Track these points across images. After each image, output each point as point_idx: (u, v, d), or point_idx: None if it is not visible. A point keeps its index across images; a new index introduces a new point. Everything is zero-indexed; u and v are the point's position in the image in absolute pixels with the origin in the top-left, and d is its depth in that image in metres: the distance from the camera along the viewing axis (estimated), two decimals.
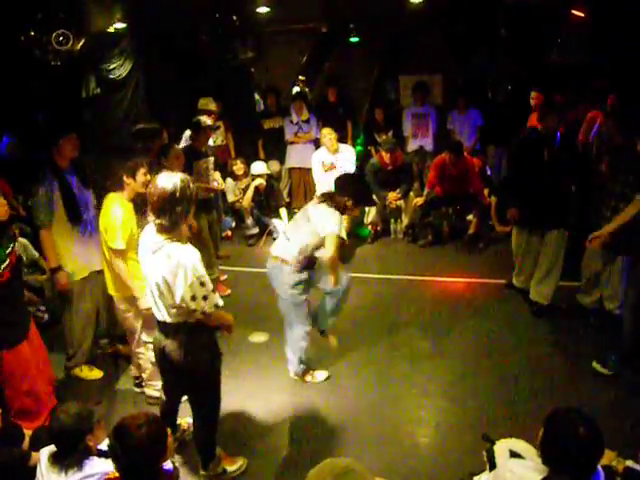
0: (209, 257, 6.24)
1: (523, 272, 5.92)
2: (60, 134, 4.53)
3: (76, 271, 4.64)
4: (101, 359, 5.14)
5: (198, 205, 5.57)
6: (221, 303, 3.19)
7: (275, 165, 8.90)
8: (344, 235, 4.50)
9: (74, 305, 4.74)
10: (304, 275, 4.36)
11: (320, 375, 4.76)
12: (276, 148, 9.02)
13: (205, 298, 3.08)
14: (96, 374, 4.96)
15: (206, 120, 6.30)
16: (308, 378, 4.74)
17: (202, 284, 3.06)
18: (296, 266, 4.31)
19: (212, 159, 6.46)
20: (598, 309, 5.35)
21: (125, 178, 4.14)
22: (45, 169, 4.47)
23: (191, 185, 3.15)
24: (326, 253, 4.21)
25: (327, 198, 4.40)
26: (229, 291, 6.46)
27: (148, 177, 4.08)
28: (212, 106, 7.74)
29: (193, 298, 3.05)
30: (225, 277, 6.81)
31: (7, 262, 3.72)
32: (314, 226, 4.29)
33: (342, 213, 4.37)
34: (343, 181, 4.56)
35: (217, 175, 6.99)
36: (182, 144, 7.16)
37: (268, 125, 9.02)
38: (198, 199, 3.28)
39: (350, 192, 4.41)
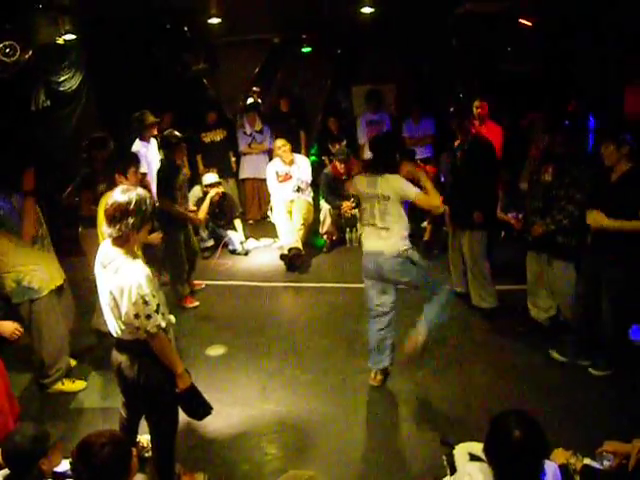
0: (182, 273, 6.26)
1: (455, 276, 6.08)
2: (22, 167, 4.47)
3: (42, 286, 4.55)
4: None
5: (173, 221, 5.78)
6: (164, 325, 3.13)
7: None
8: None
9: (46, 321, 4.63)
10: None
11: None
12: (215, 162, 8.65)
13: (148, 317, 3.04)
14: (80, 385, 4.89)
15: (172, 131, 6.20)
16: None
17: (146, 303, 3.03)
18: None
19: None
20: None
21: (117, 177, 4.14)
22: None
23: (148, 202, 3.14)
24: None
25: (386, 167, 4.39)
26: (197, 303, 6.44)
27: (139, 176, 4.10)
28: (150, 118, 7.13)
29: (136, 316, 3.03)
30: (203, 286, 6.88)
31: None
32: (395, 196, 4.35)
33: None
34: (381, 143, 4.60)
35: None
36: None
37: (208, 139, 8.85)
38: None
39: (393, 147, 4.56)
